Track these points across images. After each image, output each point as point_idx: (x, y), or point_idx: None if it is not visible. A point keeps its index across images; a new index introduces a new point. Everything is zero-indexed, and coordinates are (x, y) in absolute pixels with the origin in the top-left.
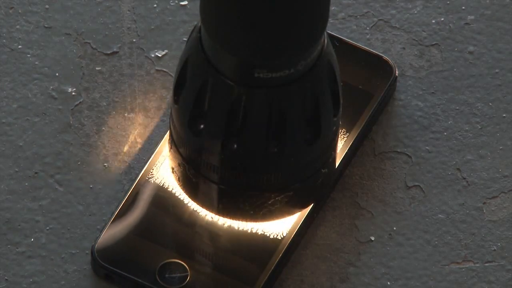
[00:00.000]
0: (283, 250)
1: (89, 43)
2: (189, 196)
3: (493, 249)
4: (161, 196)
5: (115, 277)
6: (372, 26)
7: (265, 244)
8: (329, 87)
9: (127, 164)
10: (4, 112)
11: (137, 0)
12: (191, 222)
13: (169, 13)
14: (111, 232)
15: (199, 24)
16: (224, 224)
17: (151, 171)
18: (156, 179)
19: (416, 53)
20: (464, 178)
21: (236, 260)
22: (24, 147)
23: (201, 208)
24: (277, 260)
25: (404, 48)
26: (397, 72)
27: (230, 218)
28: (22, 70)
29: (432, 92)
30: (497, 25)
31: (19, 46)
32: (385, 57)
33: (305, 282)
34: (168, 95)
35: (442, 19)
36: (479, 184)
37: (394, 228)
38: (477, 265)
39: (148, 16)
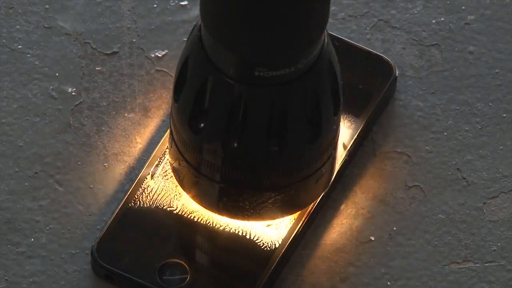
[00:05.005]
0: (283, 250)
1: (89, 43)
2: (190, 195)
3: (493, 249)
4: (161, 196)
5: (115, 277)
6: (372, 26)
7: (265, 244)
8: (330, 85)
9: (127, 164)
10: (4, 112)
11: (137, 0)
12: (191, 222)
13: (169, 13)
14: (111, 232)
15: (200, 22)
16: (224, 223)
17: (151, 171)
18: (156, 179)
19: (416, 53)
20: (464, 178)
21: (236, 260)
22: (24, 147)
23: (201, 207)
24: (277, 260)
25: (404, 48)
26: (397, 72)
27: (230, 217)
28: (22, 70)
29: (432, 92)
30: (497, 25)
31: (19, 46)
32: (385, 57)
33: (305, 282)
34: (168, 95)
35: (442, 19)
36: (479, 184)
37: (394, 228)
38: (477, 265)
39: (148, 16)
